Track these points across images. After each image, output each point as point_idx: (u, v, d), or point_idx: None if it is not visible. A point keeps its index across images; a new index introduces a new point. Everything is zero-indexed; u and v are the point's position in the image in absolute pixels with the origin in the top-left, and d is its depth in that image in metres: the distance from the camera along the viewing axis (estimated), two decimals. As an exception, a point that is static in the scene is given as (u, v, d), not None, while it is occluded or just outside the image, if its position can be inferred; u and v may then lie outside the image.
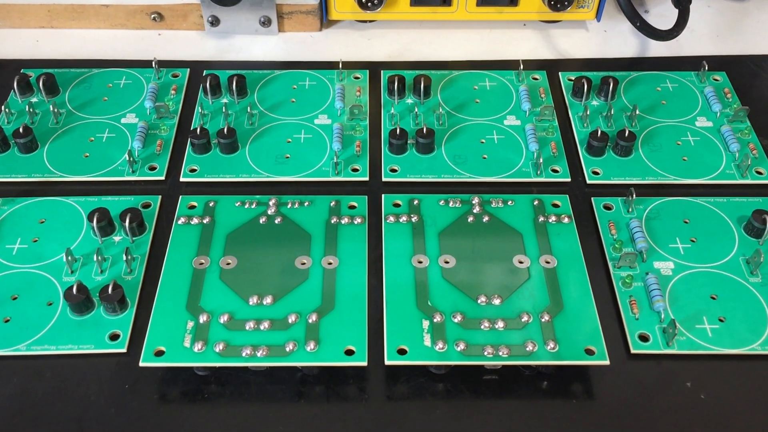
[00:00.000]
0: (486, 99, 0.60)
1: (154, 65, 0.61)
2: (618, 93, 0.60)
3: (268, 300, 0.45)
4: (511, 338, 0.43)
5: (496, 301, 0.45)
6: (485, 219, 0.50)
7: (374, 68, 0.63)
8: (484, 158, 0.55)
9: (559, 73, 0.63)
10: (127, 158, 0.53)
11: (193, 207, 0.51)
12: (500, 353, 0.43)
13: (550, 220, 0.50)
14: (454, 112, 0.59)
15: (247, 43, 0.66)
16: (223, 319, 0.44)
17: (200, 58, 0.64)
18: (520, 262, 0.48)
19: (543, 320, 0.44)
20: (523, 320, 0.44)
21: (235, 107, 0.59)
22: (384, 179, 0.54)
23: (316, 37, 0.67)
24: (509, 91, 0.61)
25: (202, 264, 0.47)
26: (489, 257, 0.48)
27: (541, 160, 0.53)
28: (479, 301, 0.45)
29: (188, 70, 0.63)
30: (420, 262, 0.47)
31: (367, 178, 0.54)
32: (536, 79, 0.62)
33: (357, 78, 0.62)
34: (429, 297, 0.45)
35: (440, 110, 0.58)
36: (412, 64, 0.64)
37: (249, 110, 0.58)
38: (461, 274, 0.47)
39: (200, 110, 0.57)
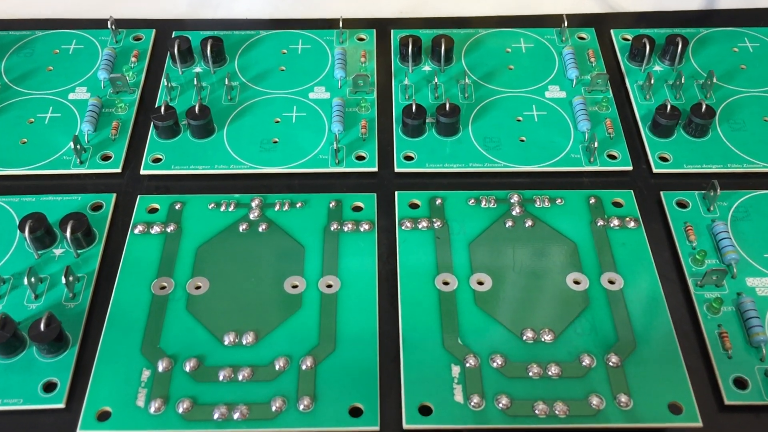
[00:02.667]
0: (521, 65, 0.49)
1: (110, 26, 0.49)
2: (686, 55, 0.49)
3: (248, 338, 0.35)
4: (569, 390, 0.33)
5: (547, 338, 0.34)
6: (528, 224, 0.39)
7: (382, 27, 0.51)
8: (522, 141, 0.44)
9: (611, 30, 0.51)
10: (73, 146, 0.42)
11: (154, 210, 0.40)
12: (556, 411, 0.32)
13: (612, 225, 0.39)
14: (483, 82, 0.47)
15: (227, -4, 0.54)
16: (190, 365, 0.34)
17: (168, 15, 0.53)
18: (576, 283, 0.37)
19: (610, 364, 0.34)
20: (584, 364, 0.34)
21: (211, 78, 0.48)
22: (397, 170, 0.43)
23: (311, -12, 0.55)
24: (550, 55, 0.49)
25: (163, 288, 0.37)
26: (535, 276, 0.37)
27: (595, 144, 0.42)
28: (525, 338, 0.35)
29: (153, 31, 0.51)
30: (446, 284, 0.37)
31: (375, 169, 0.43)
32: (583, 38, 0.50)
33: (361, 39, 0.50)
34: (459, 332, 0.35)
35: (465, 80, 0.46)
36: (430, 21, 0.52)
37: (227, 82, 0.46)
38: (500, 299, 0.36)
39: (166, 83, 0.46)
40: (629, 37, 0.50)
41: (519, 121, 0.45)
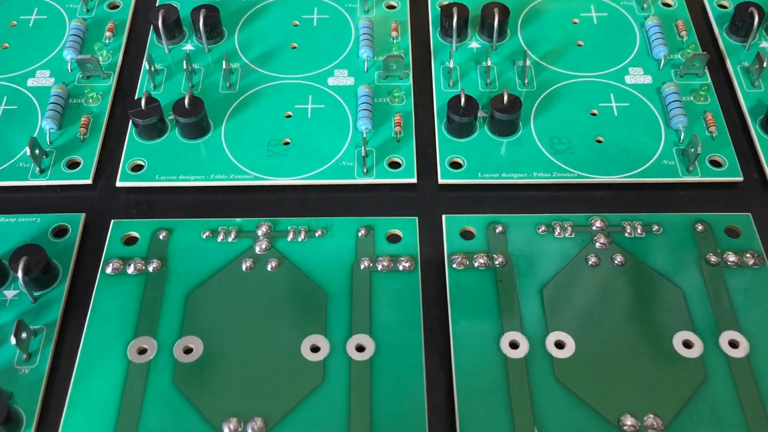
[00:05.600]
0: (593, 40, 0.39)
1: (79, -9, 0.40)
2: (802, 28, 0.39)
3: (255, 426, 0.26)
4: (687, 505, 0.24)
5: (655, 424, 0.26)
6: (617, 260, 0.30)
7: (416, -10, 0.41)
8: (599, 143, 0.34)
9: (703, -6, 0.41)
10: (30, 151, 0.33)
11: (132, 241, 0.31)
12: None
13: (728, 262, 0.30)
14: (546, 63, 0.38)
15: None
16: (178, 467, 0.25)
17: (153, -23, 0.43)
18: (687, 346, 0.28)
19: (740, 466, 0.25)
20: (704, 466, 0.25)
21: (205, 58, 0.38)
22: (441, 181, 0.34)
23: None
24: (629, 27, 0.39)
25: (143, 353, 0.28)
26: (632, 337, 0.28)
27: (698, 148, 0.33)
28: (624, 426, 0.26)
29: (133, -2, 0.41)
30: (514, 347, 0.28)
31: (414, 180, 0.34)
32: (668, 5, 0.40)
33: (392, 8, 0.41)
34: (534, 417, 0.26)
35: (525, 61, 0.37)
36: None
37: (225, 64, 0.37)
38: (587, 370, 0.27)
39: (149, 66, 0.37)
40: (728, 4, 0.40)
41: (594, 115, 0.36)
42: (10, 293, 0.30)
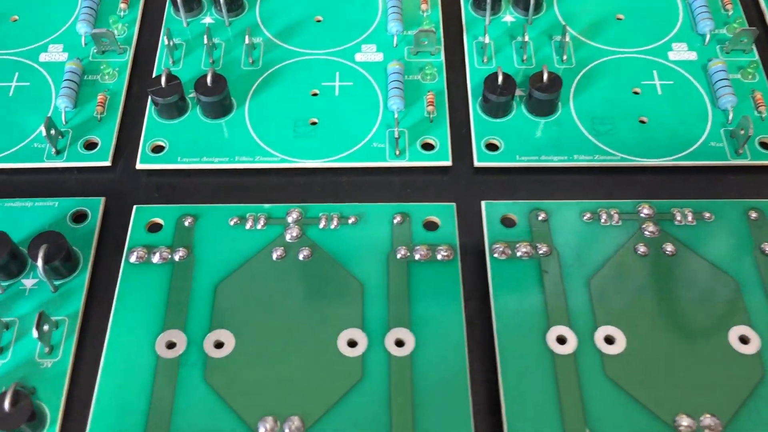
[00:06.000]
0: (634, 13, 0.37)
1: (91, -40, 0.38)
2: None
3: (293, 426, 0.25)
4: None
5: (713, 425, 0.25)
6: (668, 250, 0.28)
7: (446, -40, 0.39)
8: (643, 123, 0.33)
9: (749, -36, 0.39)
10: (45, 131, 0.31)
11: (156, 228, 0.30)
12: None
13: (784, 252, 0.28)
14: (585, 38, 0.36)
15: None
16: (212, 469, 0.24)
17: (168, -56, 0.40)
18: (744, 342, 0.26)
19: (803, 470, 0.24)
20: (765, 470, 0.24)
21: (225, 32, 0.36)
22: (477, 164, 0.32)
23: None
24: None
25: (172, 347, 0.27)
26: (685, 332, 0.27)
27: (750, 130, 0.31)
28: (679, 427, 0.25)
29: (149, -34, 0.39)
30: (561, 342, 0.26)
31: (448, 162, 0.32)
32: (712, -23, 0.38)
33: (420, -22, 0.39)
34: (585, 416, 0.25)
35: (564, 36, 0.35)
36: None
37: (248, 39, 0.35)
38: (639, 367, 0.26)
39: (167, 40, 0.35)
40: (776, -26, 0.38)
41: (637, 93, 0.34)
42: (29, 282, 0.29)
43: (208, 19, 0.37)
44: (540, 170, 0.32)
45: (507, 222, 0.29)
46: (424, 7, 0.37)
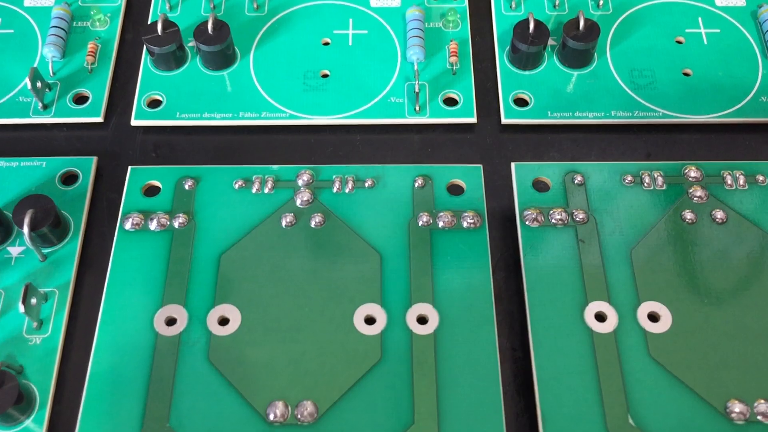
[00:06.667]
0: (676, -46, 0.34)
1: None
2: None
3: (304, 412, 0.22)
4: None
5: (767, 411, 0.22)
6: (717, 217, 0.26)
7: None
8: (687, 76, 0.30)
9: None
10: (30, 83, 0.28)
11: (153, 191, 0.27)
12: None
13: None
14: (622, -18, 0.33)
15: None
16: (217, 459, 0.22)
17: None
18: (803, 320, 0.24)
19: None
20: (827, 462, 0.22)
21: (227, -26, 0.33)
22: (505, 120, 0.29)
23: None
24: (717, -61, 0.34)
25: (172, 324, 0.24)
26: (736, 308, 0.24)
27: (804, 85, 0.28)
28: (731, 414, 0.22)
29: None
30: (601, 319, 0.24)
31: (473, 119, 0.29)
32: None
33: None
34: (628, 402, 0.23)
35: (601, -21, 0.31)
36: None
37: (252, -18, 0.32)
38: (687, 347, 0.23)
39: (163, -17, 0.32)
40: None
41: (680, 43, 0.31)
42: (15, 250, 0.26)
43: (208, -40, 0.33)
44: (574, 128, 0.29)
45: (539, 186, 0.27)
46: (445, -54, 0.33)
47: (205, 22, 0.29)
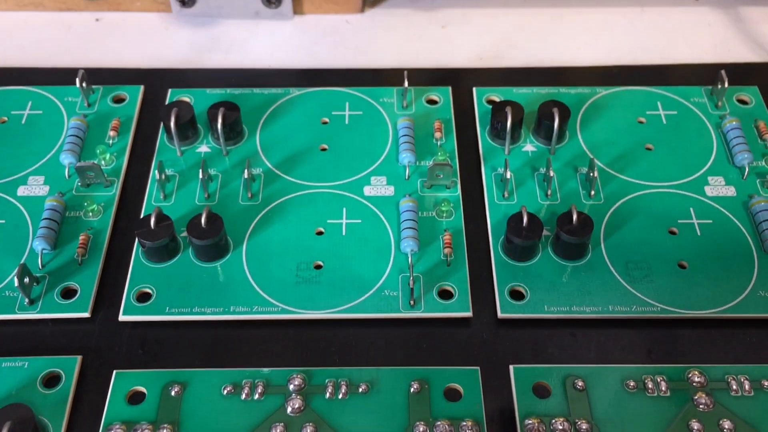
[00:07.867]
0: (664, 142, 0.34)
1: (79, 83, 0.35)
2: None
3: None
4: None
5: None
6: (726, 427, 0.25)
7: (459, 82, 0.37)
8: (683, 268, 0.30)
9: (783, 89, 0.37)
10: (18, 280, 0.28)
11: (138, 398, 0.26)
12: None
13: None
14: (612, 171, 0.33)
15: (241, 35, 0.40)
16: None
17: (163, 64, 0.38)
18: None
19: None
20: None
21: (223, 162, 0.33)
22: (501, 315, 0.29)
23: (356, 23, 0.41)
24: (703, 127, 0.35)
25: None
26: None
27: (802, 281, 0.28)
28: None
29: (141, 89, 0.36)
30: None
31: (468, 314, 0.29)
32: (744, 102, 0.36)
33: (433, 102, 0.36)
34: None
35: (593, 172, 0.32)
36: (521, 73, 0.38)
37: (247, 172, 0.32)
38: None
39: (158, 174, 0.32)
40: (813, 101, 0.36)
41: (673, 234, 0.31)
42: (-11, 462, 0.25)
43: (204, 148, 0.34)
44: (571, 323, 0.29)
45: (540, 391, 0.26)
46: (437, 135, 0.34)
47: (199, 216, 0.29)
